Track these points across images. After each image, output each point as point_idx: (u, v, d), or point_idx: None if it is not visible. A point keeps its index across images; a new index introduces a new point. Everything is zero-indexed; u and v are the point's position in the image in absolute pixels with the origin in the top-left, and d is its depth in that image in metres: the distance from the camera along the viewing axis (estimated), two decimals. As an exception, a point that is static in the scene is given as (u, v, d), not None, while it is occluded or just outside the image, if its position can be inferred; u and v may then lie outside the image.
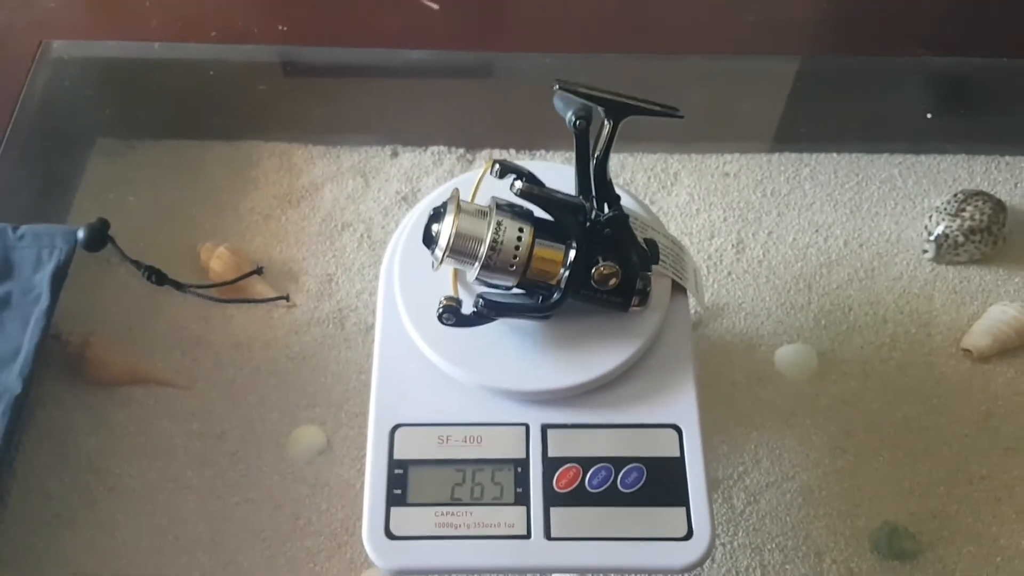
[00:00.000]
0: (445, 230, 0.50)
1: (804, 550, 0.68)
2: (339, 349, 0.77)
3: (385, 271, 0.57)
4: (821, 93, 0.98)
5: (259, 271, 0.80)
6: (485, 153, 0.90)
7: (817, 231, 0.84)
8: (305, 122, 0.92)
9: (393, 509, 0.50)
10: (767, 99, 0.96)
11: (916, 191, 0.87)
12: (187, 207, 0.85)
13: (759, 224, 0.84)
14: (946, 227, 0.81)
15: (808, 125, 0.94)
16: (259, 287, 0.80)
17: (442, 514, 0.50)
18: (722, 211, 0.85)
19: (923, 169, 0.89)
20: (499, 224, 0.50)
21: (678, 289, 0.56)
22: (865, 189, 0.87)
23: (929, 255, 0.82)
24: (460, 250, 0.50)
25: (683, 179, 0.87)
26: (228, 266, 0.79)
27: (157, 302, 0.79)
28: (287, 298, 0.79)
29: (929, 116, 0.94)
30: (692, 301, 0.57)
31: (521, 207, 0.51)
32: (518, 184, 0.50)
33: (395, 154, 0.89)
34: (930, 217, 0.83)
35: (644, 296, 0.53)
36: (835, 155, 0.89)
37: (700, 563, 0.50)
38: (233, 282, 0.79)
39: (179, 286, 0.78)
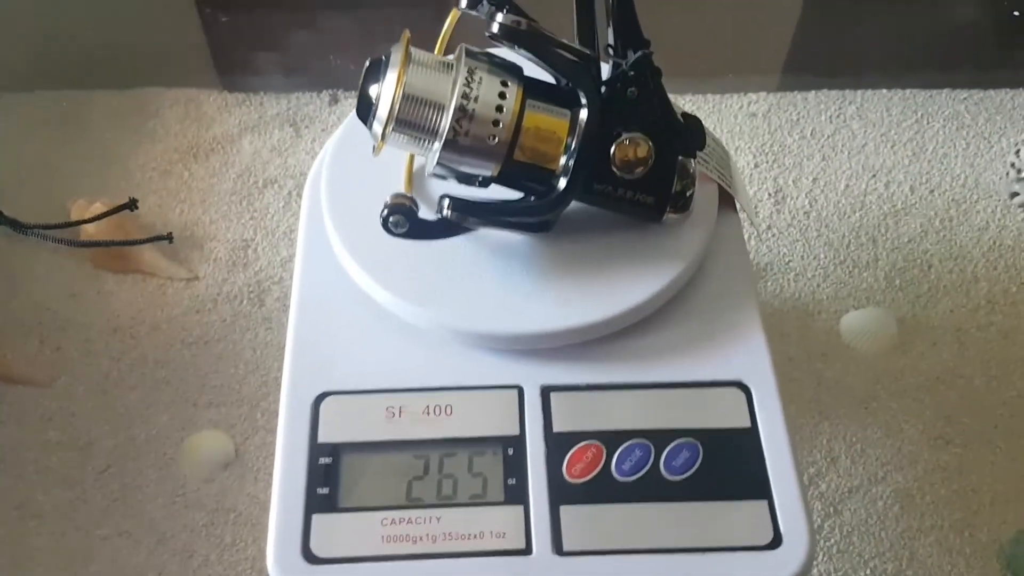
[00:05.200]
0: (387, 90, 0.35)
1: (910, 576, 0.54)
2: (256, 331, 0.65)
3: (311, 180, 0.44)
4: (859, 19, 0.87)
5: (134, 205, 0.66)
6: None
7: (875, 176, 0.75)
8: (218, 64, 0.83)
9: (316, 517, 0.37)
10: (794, 26, 0.85)
11: (989, 129, 0.78)
12: (60, 163, 0.75)
13: (800, 170, 0.75)
14: (1039, 164, 0.71)
15: (848, 57, 0.84)
16: (147, 256, 0.65)
17: (394, 521, 0.37)
18: (752, 156, 0.76)
19: (994, 105, 0.80)
20: (471, 75, 0.35)
21: (726, 200, 0.43)
22: (927, 128, 0.78)
23: (1021, 199, 0.72)
24: (411, 120, 0.35)
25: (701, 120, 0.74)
26: (105, 226, 0.66)
27: (11, 273, 0.67)
28: (169, 237, 0.65)
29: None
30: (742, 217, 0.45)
31: (504, 60, 0.37)
32: (500, 17, 0.35)
33: (335, 100, 0.79)
34: (1017, 152, 0.74)
35: (686, 200, 0.39)
36: (885, 91, 0.80)
37: (796, 582, 0.36)
38: (98, 219, 0.65)
39: (18, 226, 0.65)
